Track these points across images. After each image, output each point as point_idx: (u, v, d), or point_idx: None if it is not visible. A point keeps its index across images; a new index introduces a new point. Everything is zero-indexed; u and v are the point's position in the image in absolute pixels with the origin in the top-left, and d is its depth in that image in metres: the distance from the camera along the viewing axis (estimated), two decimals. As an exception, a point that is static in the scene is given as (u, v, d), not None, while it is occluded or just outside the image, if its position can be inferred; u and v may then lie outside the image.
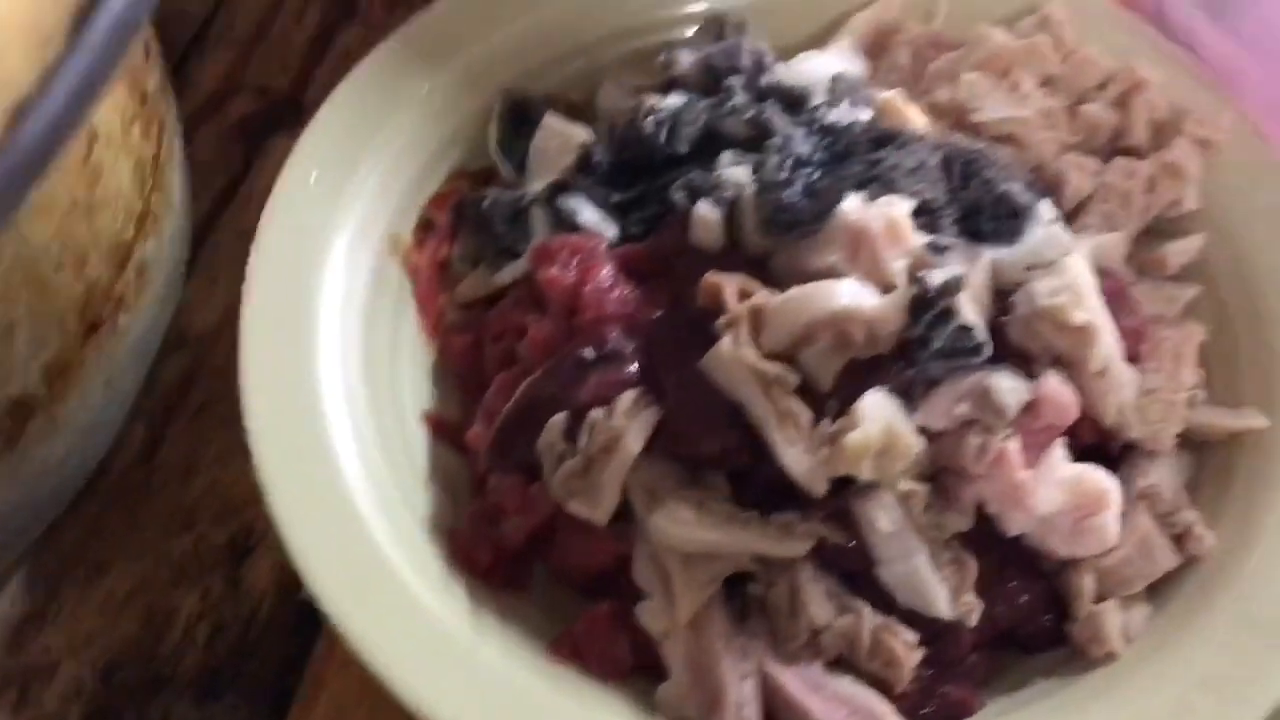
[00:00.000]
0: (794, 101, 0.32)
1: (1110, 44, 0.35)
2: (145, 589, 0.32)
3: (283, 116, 0.41)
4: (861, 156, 0.29)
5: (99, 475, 0.33)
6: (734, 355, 0.27)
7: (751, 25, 0.36)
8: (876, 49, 0.36)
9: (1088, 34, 0.35)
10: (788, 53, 0.36)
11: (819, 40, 0.37)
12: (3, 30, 0.20)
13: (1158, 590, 0.28)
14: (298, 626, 0.32)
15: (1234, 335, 0.32)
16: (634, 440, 0.27)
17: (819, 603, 0.26)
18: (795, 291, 0.27)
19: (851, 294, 0.27)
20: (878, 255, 0.27)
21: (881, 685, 0.26)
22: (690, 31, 0.37)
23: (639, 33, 0.37)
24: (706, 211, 0.29)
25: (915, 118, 0.31)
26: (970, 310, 0.27)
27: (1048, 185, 0.32)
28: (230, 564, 0.33)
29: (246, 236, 0.32)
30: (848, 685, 0.26)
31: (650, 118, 0.32)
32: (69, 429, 0.29)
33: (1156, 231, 0.33)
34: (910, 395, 0.27)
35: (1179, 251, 0.32)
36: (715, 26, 0.36)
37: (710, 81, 0.33)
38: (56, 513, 0.32)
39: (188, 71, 0.42)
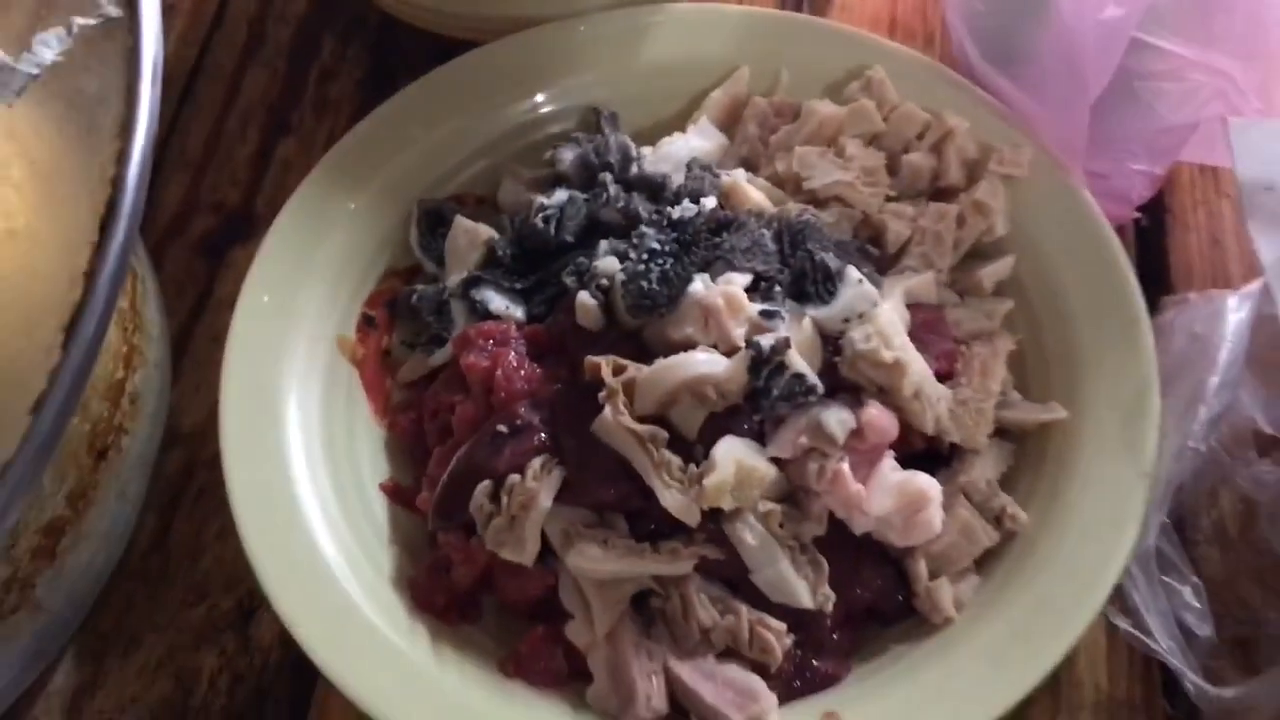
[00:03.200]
0: (655, 189, 0.38)
1: (929, 97, 0.41)
2: (173, 654, 0.39)
3: (238, 228, 0.47)
4: (704, 242, 0.35)
5: (122, 564, 0.40)
6: (615, 421, 0.33)
7: (623, 114, 0.43)
8: (730, 121, 0.42)
9: (908, 89, 0.42)
10: (658, 130, 0.42)
11: (684, 115, 0.43)
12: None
13: (983, 563, 0.35)
14: (302, 669, 0.39)
15: (1043, 339, 0.38)
16: (545, 498, 0.33)
17: (705, 608, 0.33)
18: (659, 364, 0.33)
19: (703, 361, 0.33)
20: (723, 325, 0.34)
21: (761, 668, 0.33)
22: (572, 122, 0.43)
23: (529, 129, 0.43)
24: (586, 299, 0.35)
25: (754, 195, 0.38)
26: (799, 361, 0.33)
27: (873, 233, 0.38)
28: (240, 625, 0.40)
29: (219, 341, 0.38)
30: (734, 671, 0.33)
31: (541, 214, 0.39)
32: (93, 536, 0.36)
33: (977, 255, 0.40)
34: (761, 434, 0.33)
35: (992, 273, 0.39)
36: (592, 118, 0.43)
37: (588, 177, 0.40)
38: (92, 601, 0.39)
39: (153, 194, 0.48)
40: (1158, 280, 0.42)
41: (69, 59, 0.28)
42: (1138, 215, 0.42)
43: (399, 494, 0.38)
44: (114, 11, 0.27)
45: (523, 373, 0.36)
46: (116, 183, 0.30)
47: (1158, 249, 0.44)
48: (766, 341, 0.33)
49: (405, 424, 0.39)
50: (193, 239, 0.47)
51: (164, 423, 0.41)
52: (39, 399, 0.26)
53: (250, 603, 0.40)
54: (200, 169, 0.49)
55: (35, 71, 0.28)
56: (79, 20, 0.27)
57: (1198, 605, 0.34)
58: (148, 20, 0.28)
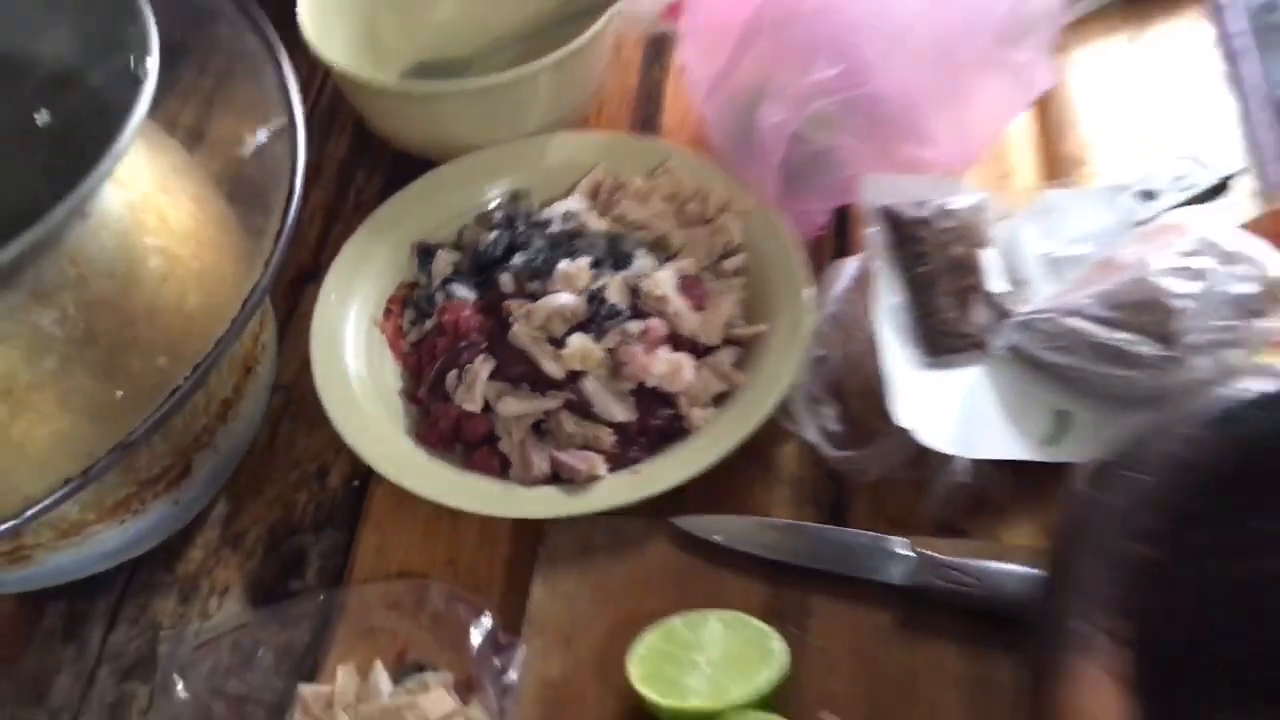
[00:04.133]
0: (544, 226, 0.70)
1: (700, 173, 0.73)
2: (281, 495, 0.68)
3: (309, 274, 0.78)
4: (566, 245, 0.67)
5: (251, 448, 0.69)
6: (521, 330, 0.64)
7: (534, 192, 0.75)
8: (594, 193, 0.74)
9: (689, 169, 0.74)
10: (553, 199, 0.74)
11: (569, 190, 0.75)
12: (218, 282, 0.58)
13: (718, 400, 0.65)
14: (356, 497, 0.68)
15: (757, 294, 0.69)
16: (484, 374, 0.64)
17: (571, 425, 0.63)
18: (542, 301, 0.64)
19: (565, 298, 0.64)
20: (574, 283, 0.65)
21: (602, 452, 0.63)
22: (505, 197, 0.75)
23: (481, 202, 0.75)
24: (505, 278, 0.67)
25: (596, 224, 0.69)
26: (616, 297, 0.64)
27: (663, 242, 0.70)
28: (318, 480, 0.69)
29: (303, 331, 0.69)
30: (587, 455, 0.63)
31: (486, 245, 0.70)
32: (241, 419, 0.65)
33: (725, 254, 0.71)
34: (598, 333, 0.64)
35: (731, 263, 0.70)
36: (513, 194, 0.75)
37: (510, 223, 0.71)
38: (237, 463, 0.68)
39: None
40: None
41: (256, 152, 0.60)
42: (821, 232, 0.73)
43: (409, 395, 0.68)
44: (284, 121, 0.58)
45: (473, 321, 0.67)
46: (278, 238, 0.60)
47: (841, 242, 0.75)
48: (596, 287, 0.64)
49: (411, 362, 0.69)
50: (287, 278, 0.78)
51: (274, 373, 0.71)
52: (244, 301, 0.56)
53: (323, 468, 0.69)
54: (290, 243, 0.81)
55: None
56: (271, 126, 0.59)
57: (832, 414, 0.64)
58: (300, 132, 0.58)
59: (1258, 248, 0.63)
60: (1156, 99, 0.79)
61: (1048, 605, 0.36)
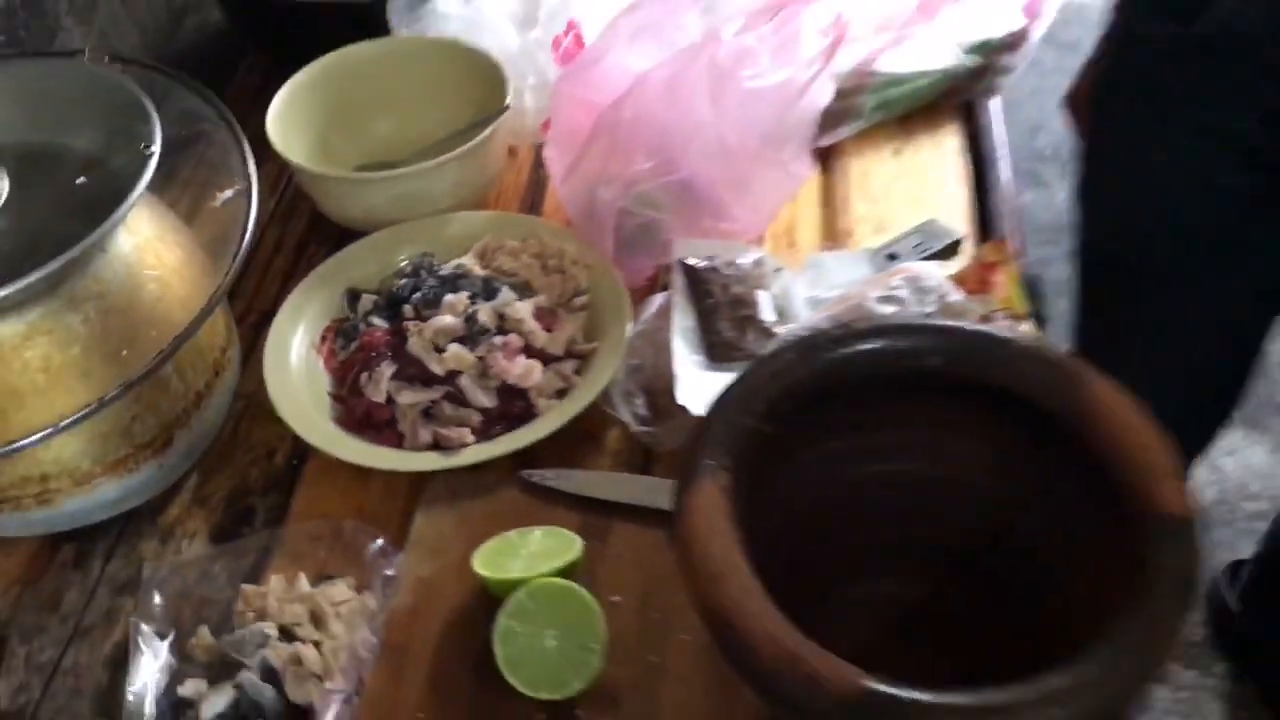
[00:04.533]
0: (442, 277, 0.95)
1: (560, 239, 0.99)
2: (238, 470, 0.91)
3: (268, 317, 1.02)
4: (452, 284, 0.92)
5: (215, 440, 0.93)
6: (416, 342, 0.88)
7: (437, 254, 1.00)
8: (481, 254, 0.99)
9: (553, 237, 0.99)
10: (450, 259, 0.99)
11: (463, 252, 1.00)
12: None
13: (561, 394, 0.89)
14: (293, 470, 0.91)
15: (595, 323, 0.93)
16: (387, 373, 0.88)
17: (449, 409, 0.87)
18: (431, 321, 0.89)
19: (448, 320, 0.89)
20: (456, 309, 0.89)
21: (472, 429, 0.87)
22: (415, 258, 1.00)
23: (398, 261, 1.00)
24: (407, 306, 0.91)
25: (477, 270, 0.95)
26: (486, 319, 0.89)
27: (528, 286, 0.95)
28: (266, 461, 0.92)
29: (259, 356, 0.93)
30: (461, 429, 0.86)
31: (397, 288, 0.95)
32: (212, 409, 0.89)
33: (574, 295, 0.96)
34: (472, 345, 0.88)
35: (577, 301, 0.95)
36: (422, 254, 1.00)
37: (417, 273, 0.96)
38: (204, 447, 0.91)
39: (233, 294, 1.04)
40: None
41: (224, 206, 0.85)
42: (648, 281, 0.98)
43: (335, 396, 0.92)
44: (243, 184, 0.83)
45: (382, 339, 0.91)
46: (233, 260, 0.85)
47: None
48: (472, 311, 0.89)
49: (339, 374, 0.93)
50: (250, 321, 1.02)
51: (238, 382, 0.95)
52: (207, 302, 0.81)
53: (271, 451, 0.93)
54: (254, 294, 1.05)
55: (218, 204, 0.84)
56: (233, 189, 0.84)
57: (642, 403, 0.88)
58: (256, 198, 0.84)
59: (945, 284, 0.88)
60: (912, 188, 1.06)
61: (688, 450, 0.60)
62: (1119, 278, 1.16)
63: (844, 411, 0.65)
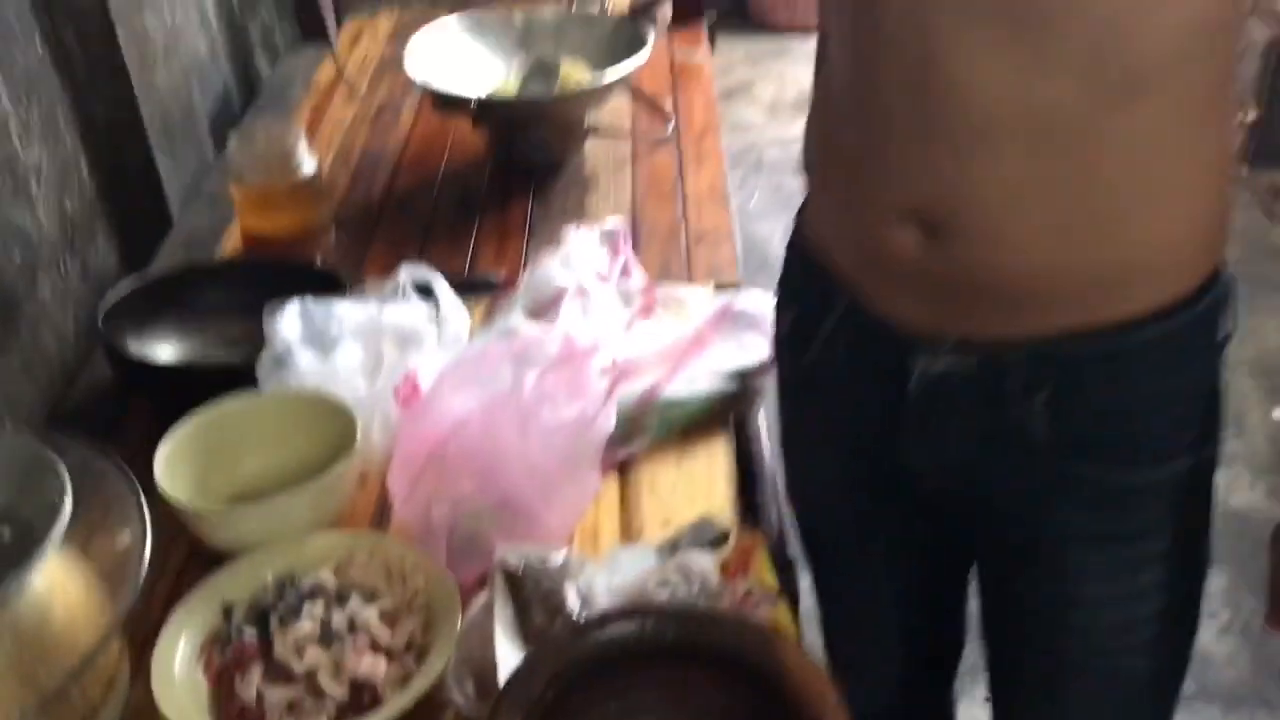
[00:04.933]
0: (300, 588, 1.15)
1: (401, 550, 1.20)
2: (127, 773, 1.07)
3: (155, 631, 1.19)
4: (310, 594, 1.11)
5: (108, 746, 1.08)
6: (280, 648, 1.07)
7: (297, 568, 1.20)
8: (335, 567, 1.20)
9: (394, 549, 1.20)
10: (309, 572, 1.19)
11: (321, 567, 1.20)
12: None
13: (404, 681, 1.08)
14: None
15: (432, 620, 1.14)
16: (256, 675, 1.06)
17: (309, 702, 1.05)
18: (292, 628, 1.08)
19: (307, 627, 1.08)
20: (315, 616, 1.09)
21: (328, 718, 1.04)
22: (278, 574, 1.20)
23: (265, 577, 1.19)
24: (274, 618, 1.10)
25: (332, 582, 1.15)
26: (339, 624, 1.08)
27: (375, 592, 1.15)
28: (153, 760, 1.08)
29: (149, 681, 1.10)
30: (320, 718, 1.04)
31: (265, 604, 1.14)
32: (110, 710, 1.05)
33: (412, 597, 1.16)
34: (327, 645, 1.07)
35: (416, 602, 1.15)
36: (286, 569, 1.19)
37: (281, 589, 1.16)
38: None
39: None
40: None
41: (121, 551, 1.04)
42: (479, 583, 1.19)
43: (213, 697, 1.09)
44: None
45: (252, 649, 1.09)
46: (131, 595, 1.04)
47: (498, 598, 1.21)
48: (326, 618, 1.08)
49: (216, 680, 1.11)
50: (140, 637, 1.19)
51: (128, 692, 1.11)
52: (108, 627, 0.99)
53: None
54: (141, 616, 1.23)
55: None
56: (128, 534, 1.04)
57: (470, 685, 1.07)
58: (150, 542, 1.04)
59: (708, 570, 1.12)
60: (691, 490, 1.31)
61: (489, 716, 0.80)
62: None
63: (612, 676, 0.87)
